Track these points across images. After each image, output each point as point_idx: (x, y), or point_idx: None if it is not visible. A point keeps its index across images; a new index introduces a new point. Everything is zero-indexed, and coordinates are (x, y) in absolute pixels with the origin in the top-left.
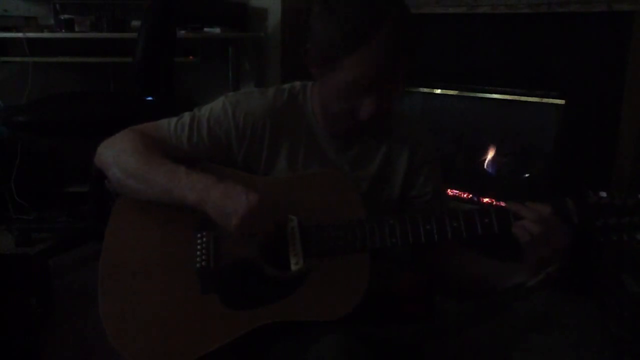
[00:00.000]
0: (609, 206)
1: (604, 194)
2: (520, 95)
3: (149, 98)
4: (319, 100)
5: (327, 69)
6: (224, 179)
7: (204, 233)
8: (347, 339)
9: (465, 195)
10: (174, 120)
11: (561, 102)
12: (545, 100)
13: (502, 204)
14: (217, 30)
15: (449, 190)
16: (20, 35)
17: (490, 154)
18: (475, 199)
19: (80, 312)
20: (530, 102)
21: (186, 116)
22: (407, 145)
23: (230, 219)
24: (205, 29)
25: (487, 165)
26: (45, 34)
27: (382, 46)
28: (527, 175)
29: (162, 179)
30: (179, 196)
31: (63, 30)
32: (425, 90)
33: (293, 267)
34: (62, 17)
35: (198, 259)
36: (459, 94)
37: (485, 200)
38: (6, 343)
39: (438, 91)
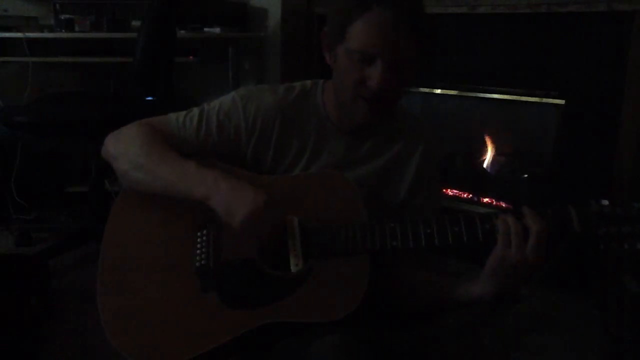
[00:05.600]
0: (611, 215)
1: (606, 202)
2: (520, 95)
3: (149, 98)
4: (333, 88)
5: (336, 43)
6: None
7: (204, 232)
8: (347, 339)
9: (465, 195)
10: (182, 114)
11: (561, 102)
12: (545, 100)
13: (502, 204)
14: (217, 30)
15: (449, 190)
16: (20, 35)
17: (490, 154)
18: (475, 199)
19: (80, 312)
20: (530, 102)
21: (195, 110)
22: (422, 143)
23: (235, 216)
24: (205, 29)
25: (487, 165)
26: (45, 34)
27: (383, 12)
28: (526, 175)
29: (169, 172)
30: (185, 189)
31: (63, 30)
32: (425, 90)
33: (293, 268)
34: (62, 17)
35: (197, 258)
36: (459, 94)
37: (485, 200)
38: (6, 343)
39: (438, 91)
